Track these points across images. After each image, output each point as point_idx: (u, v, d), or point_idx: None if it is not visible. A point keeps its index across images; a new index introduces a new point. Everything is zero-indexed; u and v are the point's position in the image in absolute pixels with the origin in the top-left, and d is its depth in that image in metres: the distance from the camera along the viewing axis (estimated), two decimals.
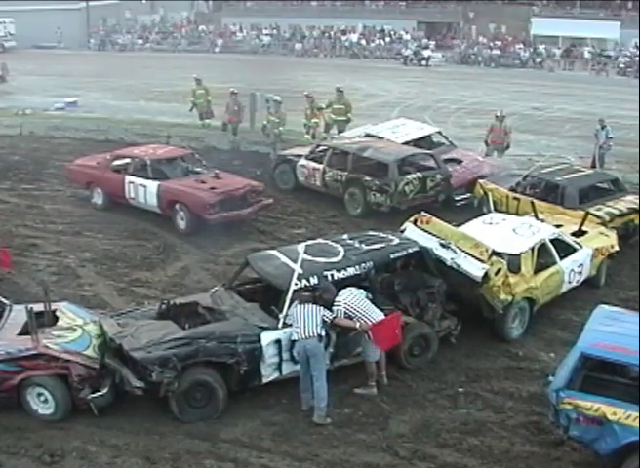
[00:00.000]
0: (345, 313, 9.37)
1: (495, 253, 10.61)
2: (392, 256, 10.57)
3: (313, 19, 53.99)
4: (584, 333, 8.35)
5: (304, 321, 9.08)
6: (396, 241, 10.79)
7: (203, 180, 15.34)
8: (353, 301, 9.44)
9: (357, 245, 10.55)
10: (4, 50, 47.47)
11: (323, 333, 9.11)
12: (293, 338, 9.17)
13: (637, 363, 7.83)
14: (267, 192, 15.98)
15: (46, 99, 28.44)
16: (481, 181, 15.88)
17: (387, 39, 50.92)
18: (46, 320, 9.64)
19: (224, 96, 22.12)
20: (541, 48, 46.43)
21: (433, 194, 15.82)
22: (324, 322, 9.17)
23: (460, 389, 9.85)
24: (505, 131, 19.01)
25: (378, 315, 9.44)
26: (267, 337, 9.31)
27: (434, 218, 11.28)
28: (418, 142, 17.70)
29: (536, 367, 10.39)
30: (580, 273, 12.08)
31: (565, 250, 11.91)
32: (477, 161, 17.60)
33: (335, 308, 9.39)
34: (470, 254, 10.48)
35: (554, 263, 11.62)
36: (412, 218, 11.53)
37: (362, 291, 9.71)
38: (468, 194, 16.26)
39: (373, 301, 9.69)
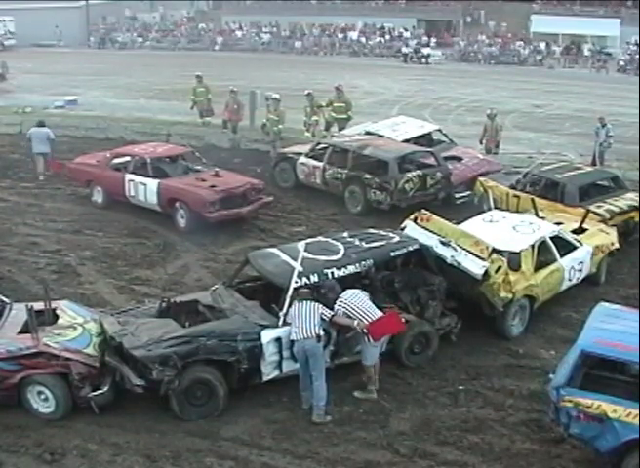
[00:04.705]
0: (345, 313, 9.36)
1: (495, 250, 10.62)
2: (392, 254, 10.58)
3: (313, 16, 53.94)
4: (585, 331, 8.35)
5: (303, 320, 9.07)
6: (396, 239, 10.79)
7: (203, 178, 15.35)
8: (355, 301, 9.41)
9: (357, 243, 10.55)
10: (4, 48, 47.42)
11: (322, 333, 9.09)
12: (291, 338, 9.17)
13: (637, 360, 7.83)
14: (267, 190, 15.99)
15: (46, 98, 28.42)
16: (481, 179, 15.89)
17: (387, 37, 50.88)
18: (46, 318, 9.64)
19: (224, 93, 22.12)
20: (542, 45, 46.43)
21: (433, 192, 15.81)
22: (323, 320, 9.17)
23: (461, 387, 9.85)
24: (496, 129, 19.04)
25: (375, 314, 9.39)
26: (268, 335, 9.31)
27: (434, 216, 11.28)
28: (418, 140, 17.69)
29: (536, 364, 10.40)
30: (581, 271, 12.08)
31: (565, 247, 11.91)
32: (477, 158, 17.59)
33: (336, 307, 9.39)
34: (471, 252, 10.49)
35: (554, 261, 11.61)
36: (412, 216, 11.53)
37: (365, 293, 9.69)
38: (468, 192, 16.25)
39: (372, 300, 9.68)
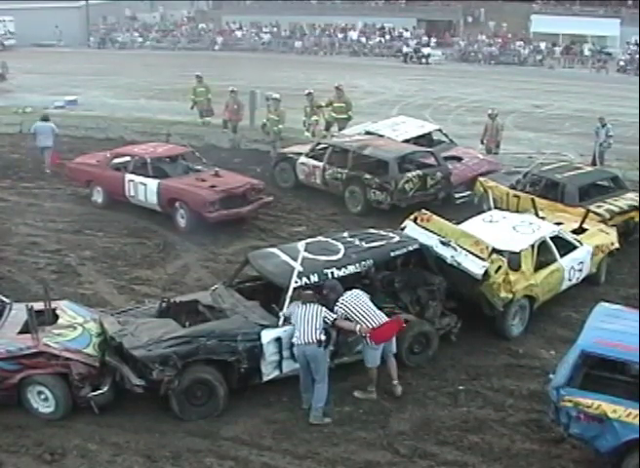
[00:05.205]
0: (344, 314, 9.33)
1: (495, 250, 10.61)
2: (392, 254, 10.57)
3: (313, 16, 53.97)
4: (585, 331, 8.35)
5: (305, 324, 9.04)
6: (396, 239, 10.79)
7: (203, 178, 15.34)
8: (355, 303, 9.39)
9: (357, 243, 10.55)
10: (4, 48, 47.45)
11: (323, 338, 9.04)
12: (293, 341, 9.16)
13: (637, 360, 7.83)
14: (267, 190, 15.98)
15: (46, 98, 28.39)
16: (481, 179, 15.89)
17: (387, 37, 50.91)
18: (46, 318, 9.64)
19: (224, 93, 22.11)
20: (542, 45, 46.45)
21: (433, 192, 15.80)
22: (325, 323, 9.14)
23: (461, 387, 9.85)
24: (497, 129, 19.03)
25: (379, 319, 9.33)
26: (268, 335, 9.31)
27: (434, 216, 11.28)
28: (418, 140, 17.69)
29: (536, 364, 10.40)
30: (581, 271, 12.08)
31: (565, 247, 11.91)
32: (477, 158, 17.59)
33: (335, 308, 9.38)
34: (471, 252, 10.48)
35: (554, 261, 11.61)
36: (412, 216, 11.52)
37: (365, 293, 9.65)
38: (468, 192, 16.25)
39: (372, 300, 9.66)
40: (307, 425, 8.99)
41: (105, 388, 9.01)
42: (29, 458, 8.38)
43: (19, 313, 9.66)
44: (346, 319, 9.33)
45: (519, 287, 10.84)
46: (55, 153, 18.94)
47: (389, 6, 55.72)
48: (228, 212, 14.74)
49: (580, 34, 47.29)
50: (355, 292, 9.59)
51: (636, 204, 14.29)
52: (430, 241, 10.84)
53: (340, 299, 9.44)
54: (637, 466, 7.70)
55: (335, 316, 9.25)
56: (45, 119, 19.31)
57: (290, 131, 20.33)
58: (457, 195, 16.26)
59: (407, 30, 50.96)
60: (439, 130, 18.90)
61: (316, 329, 9.02)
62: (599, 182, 15.28)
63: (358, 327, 9.23)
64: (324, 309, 9.22)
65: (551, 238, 11.74)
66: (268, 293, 10.22)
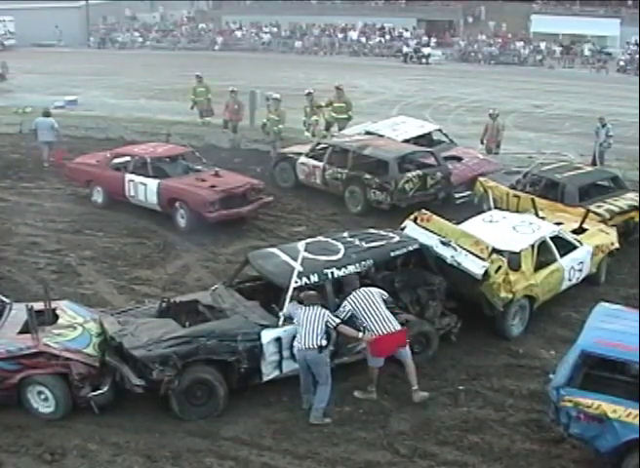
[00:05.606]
0: (351, 311, 9.29)
1: (495, 250, 10.62)
2: (392, 254, 10.58)
3: (313, 16, 54.00)
4: (585, 331, 8.36)
5: (307, 329, 9.00)
6: (396, 239, 10.79)
7: (203, 178, 15.35)
8: (363, 300, 9.32)
9: (357, 243, 10.55)
10: (4, 48, 47.48)
11: (324, 343, 9.01)
12: (294, 344, 9.15)
13: (637, 360, 7.83)
14: (267, 190, 15.99)
15: (46, 98, 28.33)
16: (481, 179, 15.89)
17: (387, 37, 50.93)
18: (46, 318, 9.64)
19: (224, 93, 22.12)
20: (542, 45, 46.47)
21: (433, 192, 15.80)
22: (327, 327, 9.10)
23: (461, 387, 9.85)
24: (498, 129, 19.02)
25: (385, 324, 9.31)
26: (268, 335, 9.31)
27: (434, 216, 11.28)
28: (418, 140, 17.68)
29: (536, 364, 10.40)
30: (581, 271, 12.08)
31: (565, 247, 11.91)
32: (477, 158, 17.59)
33: (344, 303, 9.37)
34: (471, 252, 10.49)
35: (554, 261, 11.61)
36: (412, 216, 11.52)
37: (380, 291, 9.57)
38: (468, 192, 16.24)
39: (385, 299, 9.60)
40: (307, 425, 9.00)
41: (105, 388, 9.01)
42: (29, 458, 8.38)
43: (19, 313, 9.66)
44: (352, 316, 9.31)
45: (519, 287, 10.84)
46: (59, 151, 19.20)
47: (389, 6, 55.72)
48: (228, 212, 14.74)
49: (580, 34, 47.32)
50: (369, 289, 9.52)
51: (636, 204, 14.29)
52: (430, 241, 10.84)
53: (352, 294, 9.42)
54: (637, 466, 7.70)
55: (338, 321, 9.18)
56: (46, 114, 19.61)
57: (290, 131, 20.32)
58: (457, 195, 16.26)
59: (407, 30, 50.97)
60: (439, 130, 18.89)
61: (318, 334, 8.97)
62: (599, 182, 15.27)
63: (361, 335, 9.21)
64: (327, 313, 9.18)
65: (551, 238, 11.74)
66: (268, 293, 10.22)
